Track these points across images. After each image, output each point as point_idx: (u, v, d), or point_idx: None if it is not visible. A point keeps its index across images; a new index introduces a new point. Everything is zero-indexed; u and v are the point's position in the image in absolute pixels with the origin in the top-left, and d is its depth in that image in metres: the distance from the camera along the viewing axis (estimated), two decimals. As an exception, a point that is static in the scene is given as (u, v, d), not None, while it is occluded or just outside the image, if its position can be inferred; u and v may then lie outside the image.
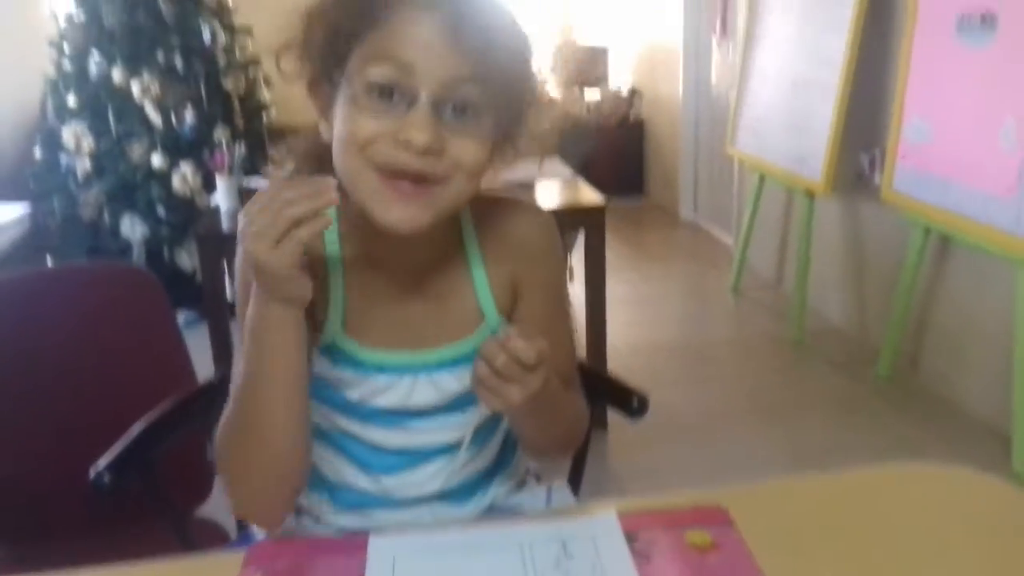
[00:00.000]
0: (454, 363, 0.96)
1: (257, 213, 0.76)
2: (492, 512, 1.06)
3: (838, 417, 3.01)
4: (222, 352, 2.68)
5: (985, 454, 2.66)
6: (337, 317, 0.94)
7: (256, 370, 0.84)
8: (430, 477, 1.00)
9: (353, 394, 0.96)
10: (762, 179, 4.09)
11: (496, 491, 1.07)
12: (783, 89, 3.80)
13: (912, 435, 2.79)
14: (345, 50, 0.81)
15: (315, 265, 0.89)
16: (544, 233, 1.01)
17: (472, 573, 0.84)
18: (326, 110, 0.87)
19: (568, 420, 1.02)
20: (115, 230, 3.90)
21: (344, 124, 0.82)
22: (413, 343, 0.95)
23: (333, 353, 0.95)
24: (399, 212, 0.83)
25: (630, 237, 5.44)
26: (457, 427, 0.98)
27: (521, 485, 1.11)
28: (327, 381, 0.96)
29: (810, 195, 3.60)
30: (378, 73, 0.79)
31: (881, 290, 3.43)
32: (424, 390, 0.96)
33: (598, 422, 2.90)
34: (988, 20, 2.64)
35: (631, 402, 1.21)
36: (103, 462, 1.05)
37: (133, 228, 3.87)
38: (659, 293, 4.42)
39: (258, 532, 1.04)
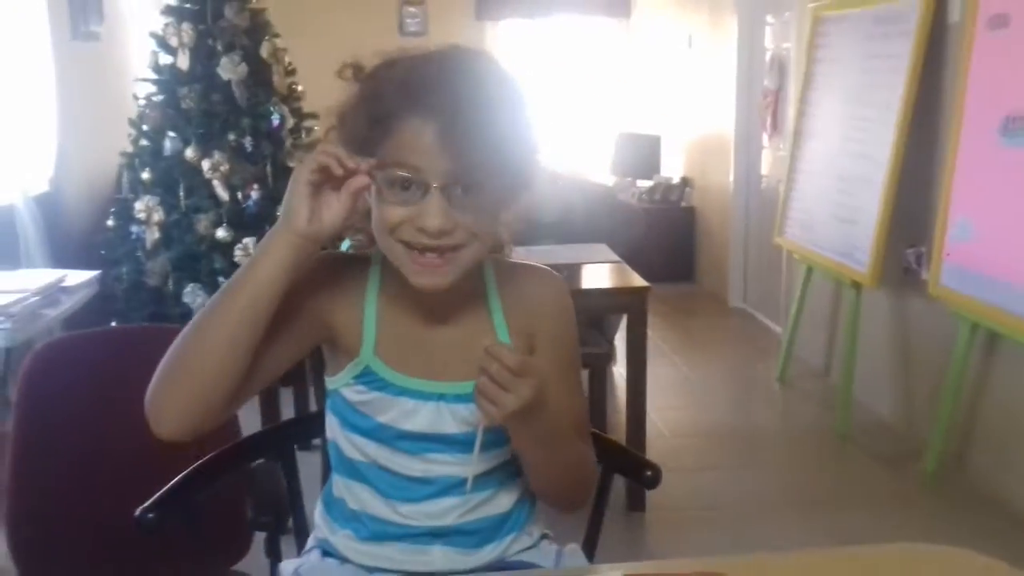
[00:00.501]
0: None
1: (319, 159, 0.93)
2: (501, 565, 1.13)
3: (881, 512, 2.97)
4: (270, 412, 2.79)
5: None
6: (370, 341, 1.08)
7: (232, 282, 0.97)
8: (445, 510, 1.10)
9: (382, 417, 1.08)
10: (810, 270, 4.13)
11: (509, 543, 1.14)
12: (830, 183, 3.87)
13: (957, 533, 2.73)
14: (368, 154, 0.98)
15: (354, 295, 1.07)
16: (557, 293, 1.15)
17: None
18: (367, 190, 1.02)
19: (573, 464, 1.10)
20: (178, 297, 4.08)
21: (376, 211, 1.00)
22: (439, 373, 1.08)
23: (367, 377, 1.08)
24: (425, 280, 1.01)
25: (679, 323, 5.48)
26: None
27: (535, 543, 1.17)
28: (359, 407, 1.09)
29: (857, 287, 3.63)
30: (395, 175, 0.97)
31: (928, 385, 3.41)
32: (447, 419, 1.06)
33: (636, 504, 2.96)
34: (1032, 121, 2.69)
35: (644, 473, 1.25)
36: (149, 501, 1.13)
37: (195, 296, 4.04)
38: (706, 379, 4.43)
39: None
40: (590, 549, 1.27)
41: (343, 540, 1.13)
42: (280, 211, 0.97)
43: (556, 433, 1.04)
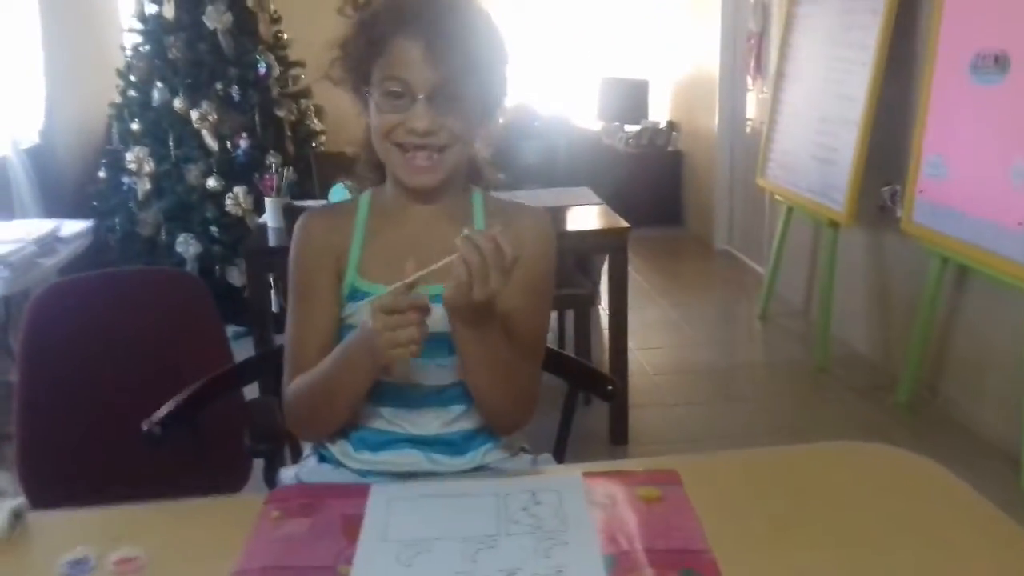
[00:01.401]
0: None
1: (391, 321, 1.03)
2: (482, 470, 1.24)
3: (857, 439, 3.08)
4: (263, 340, 2.91)
5: (995, 475, 2.74)
6: (353, 265, 1.22)
7: (338, 384, 1.15)
8: (428, 421, 1.22)
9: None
10: (790, 210, 4.22)
11: (488, 451, 1.25)
12: (810, 124, 3.94)
13: (927, 456, 2.87)
14: (367, 71, 1.16)
15: (343, 236, 1.23)
16: (539, 224, 1.27)
17: (453, 514, 1.01)
18: (365, 107, 1.20)
19: (519, 385, 1.20)
20: (171, 247, 4.15)
21: (374, 119, 1.17)
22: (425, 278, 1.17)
23: (355, 296, 1.21)
24: (418, 178, 1.18)
25: (665, 265, 5.58)
26: (452, 370, 1.20)
27: (514, 455, 1.29)
28: (351, 323, 1.20)
29: (834, 226, 3.72)
30: (387, 87, 1.14)
31: (902, 319, 3.53)
32: (433, 317, 1.11)
33: (619, 437, 3.09)
34: (1001, 61, 2.76)
35: (604, 387, 1.35)
36: (155, 417, 1.24)
37: (187, 246, 4.12)
38: (690, 318, 4.54)
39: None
40: (559, 456, 1.38)
41: (339, 448, 1.25)
42: (360, 343, 1.09)
43: (506, 353, 1.15)
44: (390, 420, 1.22)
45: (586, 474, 1.08)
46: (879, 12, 3.41)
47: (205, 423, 1.41)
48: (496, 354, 1.14)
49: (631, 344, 3.15)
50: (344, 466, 1.24)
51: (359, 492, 1.06)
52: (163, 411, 1.28)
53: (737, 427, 3.26)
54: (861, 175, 3.51)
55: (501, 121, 1.23)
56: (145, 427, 1.25)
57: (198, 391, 1.36)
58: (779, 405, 3.48)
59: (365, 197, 1.27)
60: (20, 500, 1.02)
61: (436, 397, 1.21)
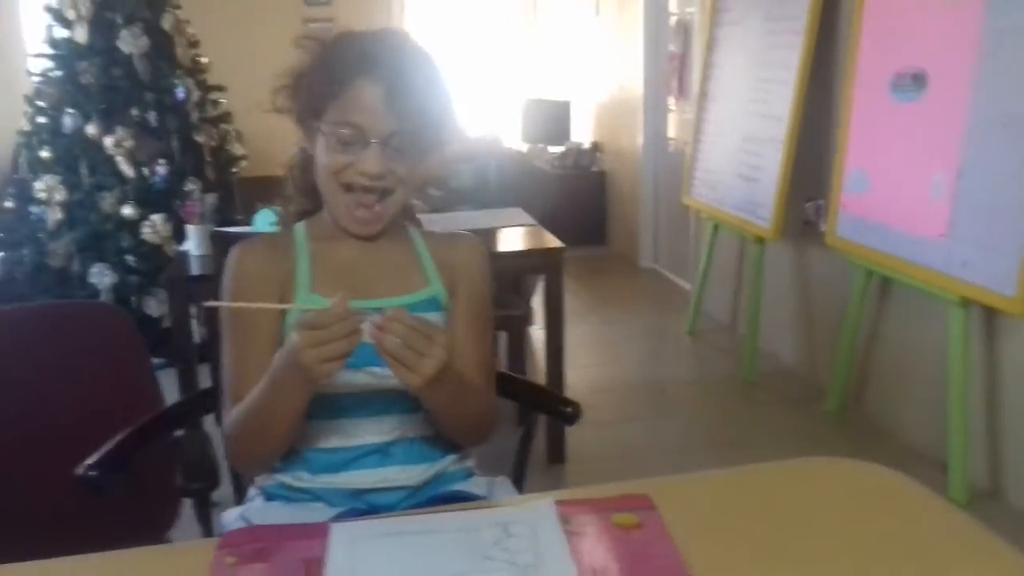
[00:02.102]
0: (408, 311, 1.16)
1: (316, 337, 1.00)
2: (438, 490, 1.22)
3: (789, 450, 3.13)
4: (187, 384, 2.78)
5: (925, 482, 2.77)
6: (303, 285, 1.20)
7: (272, 409, 1.11)
8: (390, 427, 1.20)
9: None
10: (716, 228, 4.28)
11: (444, 464, 1.24)
12: (734, 143, 4.01)
13: (858, 467, 2.92)
14: (320, 108, 1.16)
15: (284, 262, 1.20)
16: (476, 253, 1.30)
17: (422, 553, 0.95)
18: (310, 139, 1.20)
19: (477, 413, 1.21)
20: (83, 278, 3.97)
21: (324, 158, 1.16)
22: (371, 294, 1.18)
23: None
24: (360, 228, 1.20)
25: (592, 284, 5.60)
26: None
27: (469, 476, 1.27)
28: None
29: (760, 242, 3.78)
30: (342, 131, 1.14)
31: (828, 331, 3.60)
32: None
33: (556, 456, 3.05)
34: (919, 79, 2.85)
35: (564, 409, 1.32)
36: (90, 461, 1.15)
37: (102, 276, 3.94)
38: (619, 336, 4.56)
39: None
40: (519, 483, 1.34)
41: (291, 475, 1.20)
42: (288, 362, 1.04)
43: (463, 389, 1.15)
44: (348, 432, 1.19)
45: (558, 502, 1.03)
46: (800, 32, 3.50)
47: (138, 463, 1.33)
48: (457, 398, 1.13)
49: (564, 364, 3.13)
50: (295, 499, 1.19)
51: (317, 532, 1.00)
52: (98, 455, 1.18)
53: (674, 442, 3.27)
54: (786, 191, 3.57)
55: (453, 151, 1.24)
56: (80, 471, 1.15)
57: (133, 433, 1.27)
58: (713, 419, 3.50)
59: (300, 228, 1.26)
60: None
61: (389, 400, 1.19)
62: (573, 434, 3.17)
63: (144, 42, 3.97)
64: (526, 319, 3.45)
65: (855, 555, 0.94)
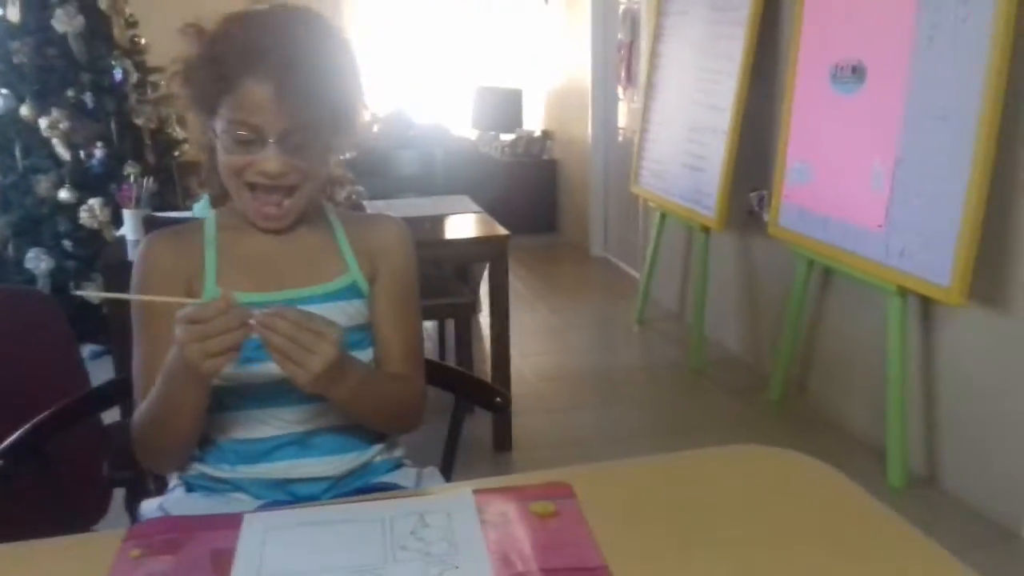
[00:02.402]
0: (323, 300, 1.16)
1: (198, 331, 0.96)
2: (364, 480, 1.20)
3: (732, 438, 3.12)
4: (122, 366, 2.72)
5: (864, 469, 2.84)
6: (211, 278, 1.16)
7: (169, 405, 1.07)
8: (310, 415, 1.17)
9: None
10: (663, 216, 4.30)
11: (369, 455, 1.21)
12: (680, 133, 4.02)
13: (800, 452, 2.96)
14: (213, 105, 1.10)
15: (192, 253, 1.16)
16: (396, 233, 1.26)
17: (335, 543, 0.93)
18: (204, 133, 1.15)
19: (394, 403, 1.19)
20: (19, 263, 3.87)
21: (222, 157, 1.11)
22: (283, 285, 1.16)
23: None
24: (268, 223, 1.16)
25: (542, 272, 5.60)
26: None
27: (397, 466, 1.25)
28: None
29: (705, 231, 3.81)
30: (237, 130, 1.08)
31: (772, 320, 3.64)
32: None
33: (502, 443, 3.05)
34: (858, 71, 2.88)
35: (493, 399, 1.31)
36: (-1, 448, 1.11)
37: (38, 261, 3.84)
38: (569, 324, 4.57)
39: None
40: (447, 473, 1.33)
41: (213, 471, 1.17)
42: (177, 356, 1.00)
43: (369, 381, 1.12)
44: (264, 421, 1.16)
45: (477, 491, 1.02)
46: (743, 23, 3.52)
47: (60, 452, 1.29)
48: (361, 391, 1.10)
49: (512, 351, 3.12)
50: (217, 490, 1.16)
51: (230, 523, 0.97)
52: (7, 443, 1.14)
53: (620, 430, 3.28)
54: (730, 182, 3.60)
55: (364, 130, 1.19)
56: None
57: (47, 419, 1.23)
58: (659, 407, 3.52)
59: (211, 218, 1.21)
60: None
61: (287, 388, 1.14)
62: (520, 422, 3.17)
63: (80, 21, 3.86)
64: (472, 307, 3.43)
65: (771, 542, 0.95)
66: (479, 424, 3.03)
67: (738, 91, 3.53)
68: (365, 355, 1.20)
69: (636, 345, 4.32)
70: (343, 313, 1.16)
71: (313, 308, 1.06)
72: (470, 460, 2.90)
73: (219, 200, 1.21)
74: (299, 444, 1.17)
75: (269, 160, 1.08)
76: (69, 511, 1.33)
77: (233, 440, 1.16)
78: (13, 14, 3.84)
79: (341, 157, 1.21)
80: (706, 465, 1.13)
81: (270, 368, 1.05)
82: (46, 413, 1.23)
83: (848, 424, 3.18)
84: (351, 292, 1.20)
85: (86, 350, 3.75)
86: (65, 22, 3.85)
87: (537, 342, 4.24)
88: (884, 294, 2.78)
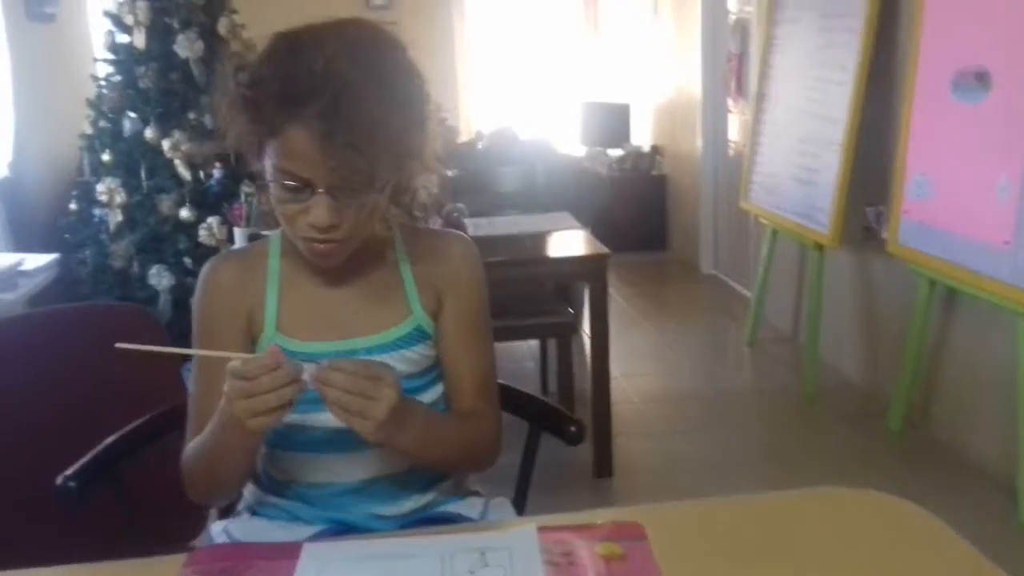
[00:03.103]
0: (386, 349, 1.11)
1: (244, 388, 0.93)
2: (427, 512, 1.16)
3: (848, 470, 3.00)
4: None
5: (993, 505, 2.63)
6: (271, 322, 1.11)
7: (218, 449, 1.04)
8: (369, 462, 1.12)
9: None
10: (775, 233, 4.14)
11: (433, 493, 1.17)
12: (792, 146, 3.87)
13: (920, 488, 2.77)
14: (260, 143, 1.02)
15: (254, 286, 1.11)
16: (464, 254, 1.18)
17: (393, 578, 0.90)
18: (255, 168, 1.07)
19: (465, 443, 1.13)
20: (143, 279, 4.05)
21: (273, 201, 1.04)
22: (345, 333, 1.10)
23: None
24: (322, 261, 1.08)
25: (651, 291, 5.50)
26: None
27: (464, 495, 1.21)
28: None
29: (820, 248, 3.64)
30: (283, 178, 1.00)
31: (891, 343, 3.44)
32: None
33: (603, 470, 2.98)
34: (982, 78, 2.70)
35: (567, 428, 1.25)
36: (70, 471, 1.13)
37: (160, 278, 4.01)
38: (676, 345, 4.45)
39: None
40: (519, 504, 1.28)
41: (271, 508, 1.16)
42: (226, 411, 0.98)
43: (435, 424, 1.07)
44: (322, 468, 1.13)
45: (542, 528, 0.97)
46: (858, 31, 3.36)
47: (147, 470, 1.31)
48: (427, 436, 1.04)
49: (615, 371, 3.05)
50: (276, 517, 1.15)
51: (289, 553, 0.96)
52: (79, 464, 1.16)
53: (727, 458, 3.16)
54: (845, 196, 3.43)
55: (439, 154, 1.09)
56: (59, 481, 1.14)
57: (120, 440, 1.24)
58: (769, 434, 3.38)
59: (276, 239, 1.15)
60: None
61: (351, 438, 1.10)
62: (622, 446, 3.11)
63: (200, 46, 4.03)
64: (573, 326, 3.38)
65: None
66: (578, 447, 2.97)
67: (853, 100, 3.36)
68: (432, 395, 1.16)
69: (746, 368, 4.18)
70: (407, 361, 1.12)
71: (376, 358, 1.04)
72: (566, 485, 2.84)
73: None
74: (357, 492, 1.13)
75: (320, 208, 0.99)
76: (171, 528, 1.34)
77: (293, 482, 1.14)
78: (139, 41, 4.04)
79: (426, 184, 1.11)
80: (797, 508, 1.04)
81: (326, 417, 1.00)
82: (118, 434, 1.24)
83: (974, 457, 2.96)
84: (415, 337, 1.14)
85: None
86: (186, 47, 4.02)
87: (642, 363, 4.15)
88: (1013, 316, 2.58)
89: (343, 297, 1.12)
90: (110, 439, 1.22)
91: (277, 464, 1.15)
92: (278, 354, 0.93)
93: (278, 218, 1.06)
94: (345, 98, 0.95)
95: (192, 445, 1.10)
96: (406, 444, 1.02)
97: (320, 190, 0.99)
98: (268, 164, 1.01)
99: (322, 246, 1.03)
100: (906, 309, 3.24)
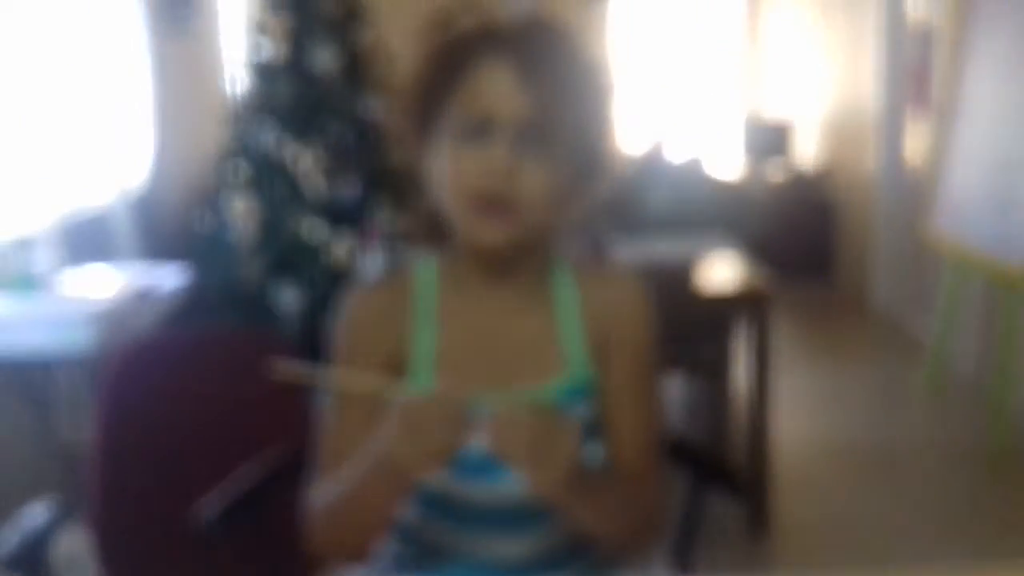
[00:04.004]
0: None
1: (415, 430, 0.90)
2: None
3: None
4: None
5: None
6: (425, 360, 1.08)
7: (362, 497, 1.01)
8: (520, 544, 1.09)
9: None
10: (962, 266, 3.91)
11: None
12: (987, 168, 3.66)
13: None
14: (439, 111, 1.03)
15: (404, 304, 1.09)
16: (633, 299, 1.14)
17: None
18: (422, 156, 1.07)
19: (636, 512, 1.07)
20: (275, 300, 4.19)
21: (446, 162, 1.02)
22: (500, 379, 1.05)
23: None
24: (485, 232, 1.02)
25: (811, 326, 5.29)
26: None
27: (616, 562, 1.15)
28: None
29: (1015, 287, 3.41)
30: (467, 122, 1.00)
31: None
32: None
33: (758, 528, 2.85)
34: None
35: (732, 482, 1.18)
36: (210, 512, 1.14)
37: (291, 295, 4.15)
38: (842, 389, 4.26)
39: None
40: (685, 570, 1.21)
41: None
42: (382, 453, 0.95)
43: (599, 487, 1.02)
44: (482, 547, 1.09)
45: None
46: (1069, 38, 3.14)
47: (276, 509, 1.32)
48: (599, 504, 1.00)
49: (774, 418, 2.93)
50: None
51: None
52: (219, 505, 1.17)
53: (903, 521, 2.99)
54: (1051, 228, 3.20)
55: (612, 170, 1.08)
56: (202, 522, 1.15)
57: (265, 477, 1.26)
58: (952, 495, 3.17)
59: (429, 267, 1.12)
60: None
61: (512, 514, 1.07)
62: (781, 502, 2.97)
63: (339, 61, 4.16)
64: (722, 363, 3.26)
65: None
66: (732, 501, 2.86)
67: (1063, 119, 3.14)
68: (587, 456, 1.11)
69: (924, 418, 3.95)
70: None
71: None
72: (715, 545, 2.71)
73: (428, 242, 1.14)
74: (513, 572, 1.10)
75: (500, 148, 0.98)
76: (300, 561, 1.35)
77: (443, 551, 1.11)
78: (277, 54, 4.20)
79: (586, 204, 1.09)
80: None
81: (487, 488, 0.98)
82: (264, 471, 1.25)
83: None
84: (572, 395, 1.09)
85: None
86: (326, 61, 4.16)
87: (802, 409, 3.97)
88: None
89: (501, 343, 1.10)
90: (251, 478, 1.23)
91: (430, 526, 1.12)
92: (451, 390, 0.91)
93: (446, 191, 1.03)
94: (543, 43, 1.01)
95: (328, 489, 1.06)
96: (578, 507, 0.97)
97: (505, 126, 0.99)
98: (447, 128, 1.02)
99: (494, 206, 1.00)
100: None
